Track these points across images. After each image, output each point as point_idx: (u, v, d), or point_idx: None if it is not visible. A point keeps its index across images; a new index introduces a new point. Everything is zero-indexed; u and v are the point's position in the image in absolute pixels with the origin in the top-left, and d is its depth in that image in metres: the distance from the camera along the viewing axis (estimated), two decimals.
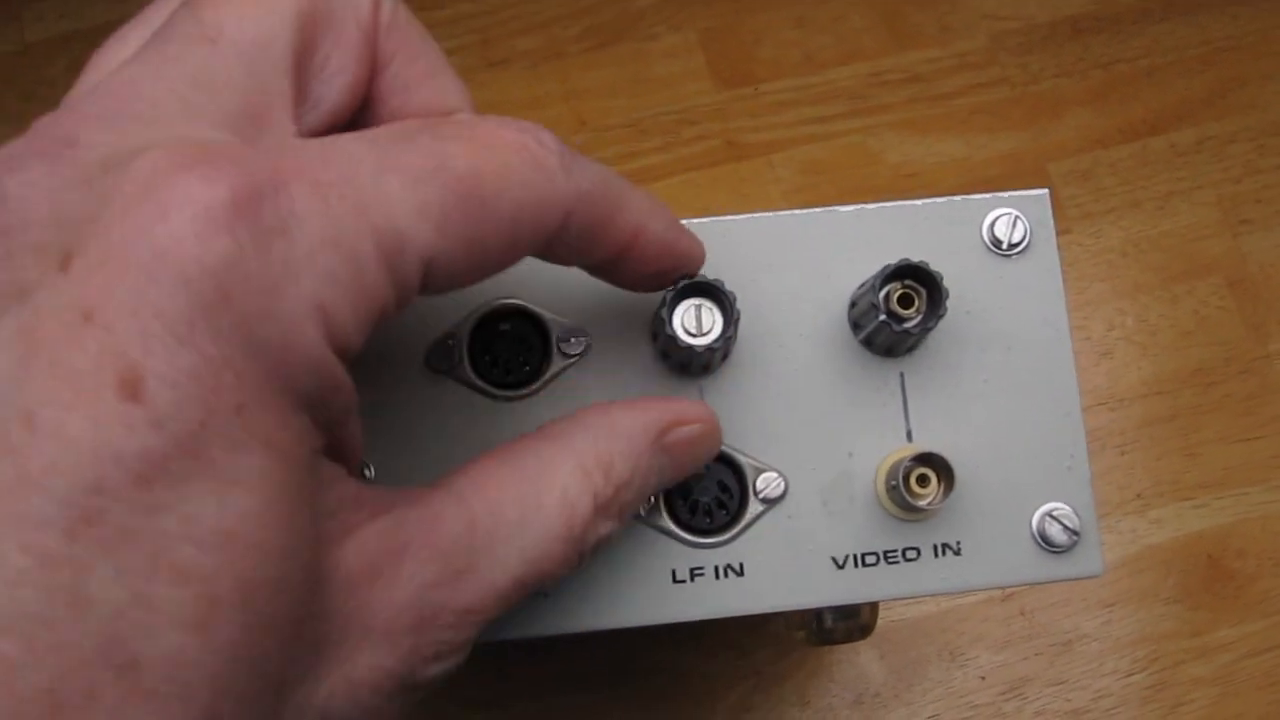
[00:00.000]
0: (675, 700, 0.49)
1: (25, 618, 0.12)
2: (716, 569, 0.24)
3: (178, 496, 0.13)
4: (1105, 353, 0.54)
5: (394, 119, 0.20)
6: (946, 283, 0.23)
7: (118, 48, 0.19)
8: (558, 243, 0.18)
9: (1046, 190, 0.25)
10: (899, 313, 0.23)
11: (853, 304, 0.25)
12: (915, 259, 0.23)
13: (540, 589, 0.19)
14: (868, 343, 0.25)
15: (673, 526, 0.24)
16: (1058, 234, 0.25)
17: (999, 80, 0.58)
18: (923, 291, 0.23)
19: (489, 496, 0.18)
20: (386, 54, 0.19)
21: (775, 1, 0.59)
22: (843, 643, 0.38)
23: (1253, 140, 0.57)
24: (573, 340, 0.24)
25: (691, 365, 0.24)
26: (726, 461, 0.24)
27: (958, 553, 0.24)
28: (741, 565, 0.24)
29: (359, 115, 0.20)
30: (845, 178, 0.56)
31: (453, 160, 0.16)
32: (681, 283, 0.22)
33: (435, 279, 0.16)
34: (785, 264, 0.25)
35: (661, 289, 0.22)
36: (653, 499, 0.24)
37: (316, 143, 0.16)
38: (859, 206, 0.25)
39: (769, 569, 0.24)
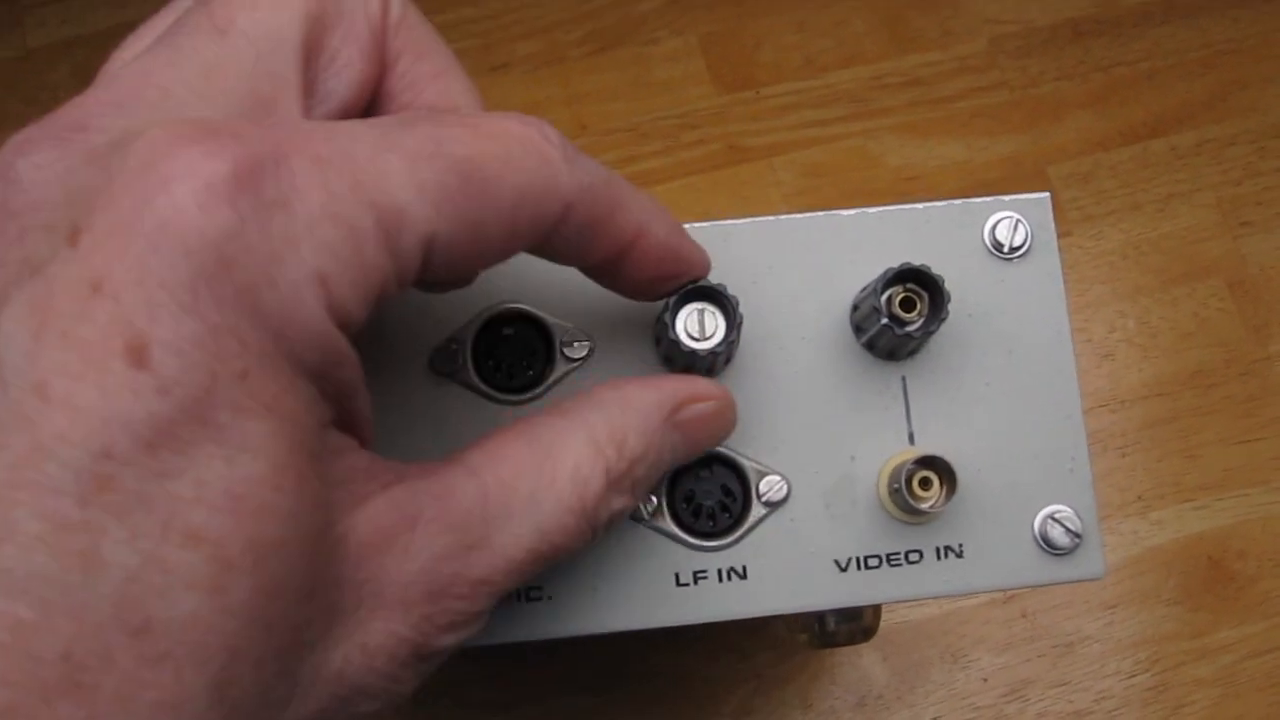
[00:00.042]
0: (676, 703, 0.49)
1: (41, 582, 0.13)
2: (719, 572, 0.24)
3: (186, 461, 0.14)
4: (1106, 355, 0.54)
5: None
6: (948, 286, 0.23)
7: (135, 44, 0.19)
8: (558, 237, 0.18)
9: (1048, 194, 0.25)
10: (901, 316, 0.23)
11: (855, 307, 0.25)
12: (917, 262, 0.23)
13: (553, 563, 0.19)
14: (870, 346, 0.25)
15: (676, 530, 0.24)
16: (1058, 237, 0.25)
17: (999, 83, 0.58)
18: (925, 295, 0.23)
19: (502, 469, 0.18)
20: (395, 51, 0.20)
21: (776, 6, 0.59)
22: (845, 645, 0.38)
23: (1253, 143, 0.57)
24: (576, 344, 0.24)
25: (694, 369, 0.24)
26: (729, 465, 0.24)
27: (960, 555, 0.24)
28: (744, 568, 0.24)
29: (368, 112, 0.20)
30: (846, 181, 0.56)
31: (454, 144, 0.16)
32: (685, 287, 0.22)
33: (435, 261, 0.17)
34: (787, 267, 0.25)
35: (661, 297, 0.22)
36: (655, 500, 0.24)
37: (319, 123, 0.16)
38: (860, 210, 0.25)
39: (772, 572, 0.24)
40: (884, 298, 0.23)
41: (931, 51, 0.58)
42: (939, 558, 0.24)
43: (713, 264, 0.22)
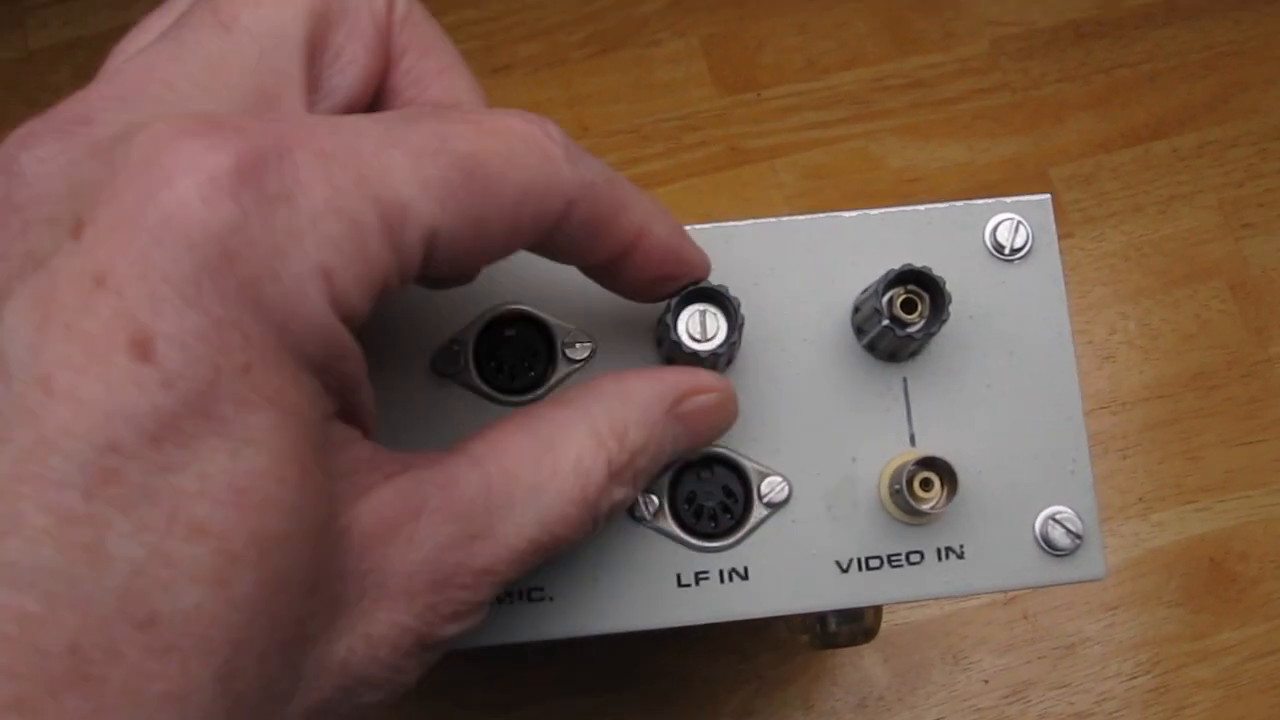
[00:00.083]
0: (678, 704, 0.49)
1: (47, 575, 0.13)
2: (721, 573, 0.24)
3: (190, 454, 0.14)
4: (1107, 356, 0.54)
5: None
6: (949, 288, 0.23)
7: (139, 36, 0.19)
8: (560, 235, 0.18)
9: (1049, 195, 0.25)
10: (902, 318, 0.23)
11: (856, 309, 0.25)
12: (918, 264, 0.23)
13: (554, 553, 0.19)
14: (871, 347, 0.25)
15: (677, 530, 0.24)
16: (1059, 238, 0.25)
17: (1001, 85, 0.58)
18: (926, 296, 0.23)
19: (505, 460, 0.18)
20: (400, 47, 0.20)
21: (778, 8, 0.59)
22: (846, 646, 0.38)
23: (1255, 144, 0.57)
24: (578, 346, 0.24)
25: None
26: (731, 466, 0.24)
27: (961, 556, 0.24)
28: (746, 569, 0.24)
29: (373, 108, 0.20)
30: (848, 183, 0.56)
31: (457, 140, 0.16)
32: (686, 288, 0.22)
33: (437, 256, 0.17)
34: (788, 269, 0.25)
35: (661, 299, 0.22)
36: (657, 501, 0.24)
37: (323, 117, 0.16)
38: (862, 212, 0.25)
39: (773, 573, 0.24)
40: (885, 299, 0.23)
41: (933, 53, 0.58)
42: (940, 559, 0.24)
43: (714, 265, 0.22)
